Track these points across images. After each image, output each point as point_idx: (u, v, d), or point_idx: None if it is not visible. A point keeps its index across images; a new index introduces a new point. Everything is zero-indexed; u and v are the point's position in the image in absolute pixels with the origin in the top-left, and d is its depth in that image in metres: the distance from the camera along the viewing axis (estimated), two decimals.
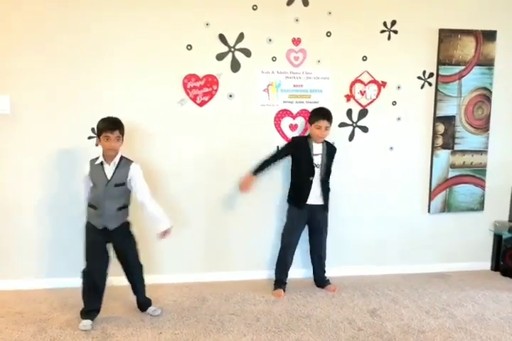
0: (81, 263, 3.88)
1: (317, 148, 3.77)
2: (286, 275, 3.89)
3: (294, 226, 3.85)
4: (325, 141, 3.81)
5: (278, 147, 4.01)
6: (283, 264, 3.88)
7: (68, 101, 3.73)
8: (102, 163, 3.20)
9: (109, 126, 3.14)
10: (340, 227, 4.15)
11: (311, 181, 3.74)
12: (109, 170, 3.19)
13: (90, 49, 3.70)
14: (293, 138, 3.95)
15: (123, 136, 3.22)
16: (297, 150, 3.80)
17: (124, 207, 3.27)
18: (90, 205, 3.25)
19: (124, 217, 3.29)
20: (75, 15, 3.66)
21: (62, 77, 3.70)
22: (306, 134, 3.94)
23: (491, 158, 4.35)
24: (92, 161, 3.25)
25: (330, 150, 3.82)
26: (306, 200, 3.77)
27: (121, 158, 3.23)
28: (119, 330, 3.16)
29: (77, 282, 3.79)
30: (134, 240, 3.35)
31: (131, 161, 3.25)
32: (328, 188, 3.84)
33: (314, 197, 3.78)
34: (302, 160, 3.78)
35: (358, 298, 3.75)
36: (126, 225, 3.32)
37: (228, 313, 3.45)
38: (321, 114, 3.74)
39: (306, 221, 3.86)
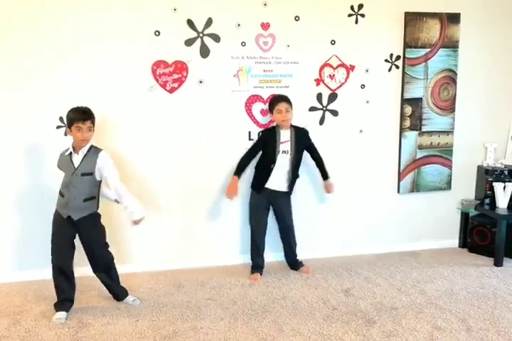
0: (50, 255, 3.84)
1: (285, 135, 3.78)
2: (262, 259, 3.94)
3: (256, 211, 3.90)
4: (293, 126, 3.82)
5: (249, 132, 4.03)
6: (255, 248, 3.93)
7: (34, 91, 3.64)
8: (70, 153, 3.16)
9: (81, 117, 3.08)
10: (312, 209, 4.21)
11: (272, 168, 3.77)
12: (76, 159, 3.15)
13: (55, 37, 3.60)
14: (260, 132, 3.99)
15: (94, 125, 3.17)
16: (266, 142, 3.82)
17: (91, 198, 3.21)
18: (60, 193, 3.21)
19: (91, 209, 3.22)
20: (39, 4, 3.55)
21: (26, 66, 3.60)
22: (274, 124, 3.92)
23: (457, 139, 4.46)
24: (62, 153, 3.21)
25: (299, 134, 3.83)
26: (263, 185, 3.81)
27: (91, 147, 3.19)
28: (95, 320, 3.16)
29: (50, 274, 3.77)
30: (102, 232, 3.31)
31: (100, 150, 3.20)
32: (297, 175, 3.88)
33: (277, 183, 3.81)
34: (268, 149, 3.79)
35: (331, 279, 3.83)
36: (94, 217, 3.26)
37: (204, 298, 3.48)
38: (279, 98, 3.80)
39: (267, 205, 3.90)
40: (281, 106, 3.73)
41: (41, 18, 3.57)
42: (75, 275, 3.31)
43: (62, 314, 3.17)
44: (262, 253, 3.95)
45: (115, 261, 3.39)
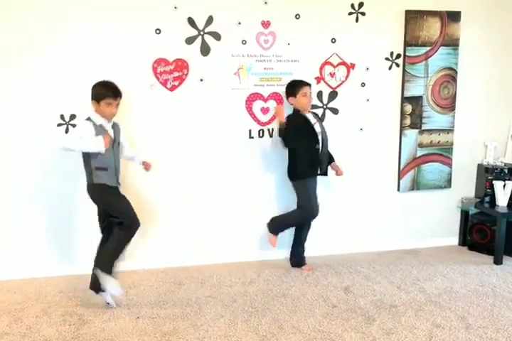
0: (54, 252, 3.87)
1: (311, 118, 3.84)
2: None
3: (314, 195, 3.86)
4: (310, 111, 3.89)
5: (250, 131, 4.04)
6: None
7: (34, 89, 3.64)
8: (101, 126, 3.18)
9: (113, 93, 3.16)
10: None
11: (318, 149, 3.81)
12: (111, 131, 3.24)
13: (55, 34, 3.61)
14: (293, 112, 3.84)
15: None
16: (303, 125, 3.78)
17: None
18: (99, 168, 3.19)
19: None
20: (40, 5, 3.55)
21: (26, 64, 3.61)
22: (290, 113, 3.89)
23: (458, 137, 4.47)
24: (91, 122, 3.16)
25: (317, 116, 3.94)
26: (319, 166, 3.84)
27: (114, 122, 3.31)
28: (96, 317, 3.17)
29: (51, 271, 3.79)
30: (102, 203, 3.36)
31: (116, 122, 3.33)
32: (329, 155, 3.97)
33: (324, 166, 3.90)
34: (309, 131, 3.79)
35: (331, 276, 3.84)
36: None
37: (205, 296, 3.49)
38: (302, 82, 3.83)
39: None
40: (306, 89, 3.79)
41: (42, 17, 3.58)
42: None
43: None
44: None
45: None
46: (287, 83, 3.89)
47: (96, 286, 3.28)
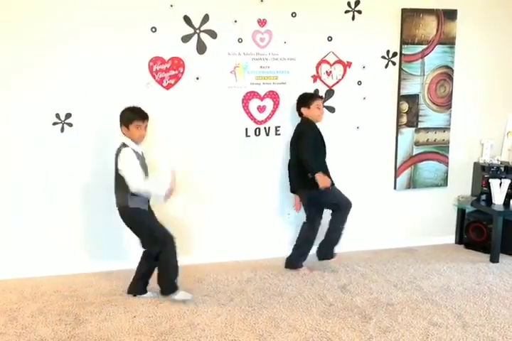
0: (50, 251, 3.86)
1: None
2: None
3: (338, 190, 3.87)
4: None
5: (246, 129, 4.03)
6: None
7: (29, 88, 3.62)
8: (135, 152, 3.28)
9: (141, 116, 3.29)
10: None
11: (326, 163, 3.84)
12: (142, 156, 3.35)
13: (50, 33, 3.59)
14: (307, 122, 3.82)
15: None
16: (318, 136, 3.80)
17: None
18: (135, 194, 3.25)
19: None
20: (35, 2, 3.55)
21: (20, 63, 3.58)
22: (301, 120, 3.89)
23: (454, 135, 4.47)
24: (133, 150, 3.26)
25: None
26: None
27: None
28: (92, 316, 3.16)
29: (47, 270, 3.78)
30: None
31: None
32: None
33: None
34: (322, 142, 3.81)
35: (328, 275, 3.84)
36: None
37: (201, 295, 3.48)
38: (316, 95, 3.93)
39: None
40: (320, 102, 3.84)
41: (37, 15, 3.55)
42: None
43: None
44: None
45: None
46: (301, 94, 3.88)
47: (134, 290, 3.46)
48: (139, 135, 3.30)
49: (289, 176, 3.97)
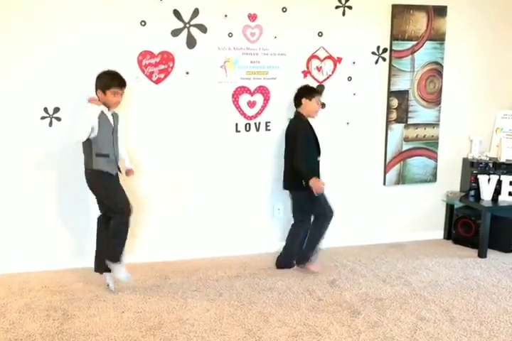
0: (38, 246, 3.83)
1: (313, 125, 3.80)
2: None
3: (323, 196, 3.77)
4: None
5: (236, 124, 4.02)
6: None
7: (16, 82, 3.58)
8: (102, 112, 3.25)
9: (119, 83, 3.29)
10: None
11: (319, 160, 3.78)
12: (111, 119, 3.33)
13: (40, 25, 3.55)
14: (300, 119, 3.75)
15: None
16: (308, 133, 3.73)
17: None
18: (101, 154, 3.26)
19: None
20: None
21: (5, 55, 3.55)
22: (294, 114, 3.83)
23: (443, 131, 4.49)
24: (96, 106, 3.24)
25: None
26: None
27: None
28: (80, 311, 3.14)
29: (34, 265, 3.75)
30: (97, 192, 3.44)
31: (117, 113, 3.43)
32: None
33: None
34: (313, 140, 3.76)
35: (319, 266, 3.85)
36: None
37: (191, 290, 3.48)
38: (317, 90, 3.83)
39: None
40: (320, 98, 3.80)
41: (23, 7, 3.51)
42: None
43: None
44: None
45: None
46: (305, 85, 3.81)
47: (99, 268, 3.42)
48: (115, 101, 3.31)
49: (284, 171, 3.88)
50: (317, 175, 3.72)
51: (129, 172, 3.59)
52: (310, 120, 3.80)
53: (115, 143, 3.38)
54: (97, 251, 3.46)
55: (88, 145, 3.26)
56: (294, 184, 3.77)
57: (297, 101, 3.77)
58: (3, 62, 3.55)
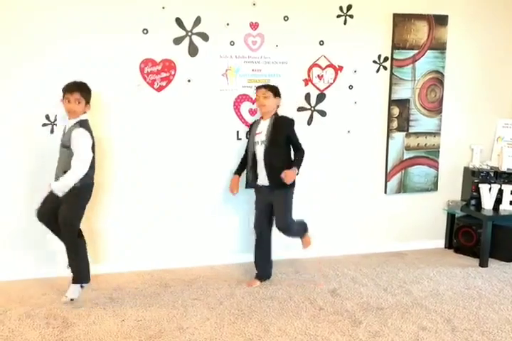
0: (38, 254, 3.82)
1: (262, 126, 3.63)
2: (260, 268, 3.80)
3: (256, 211, 3.76)
4: (274, 116, 3.63)
5: (238, 132, 4.03)
6: (255, 253, 3.79)
7: (18, 89, 3.59)
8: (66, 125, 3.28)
9: (70, 88, 3.22)
10: (299, 210, 4.19)
11: (256, 161, 3.62)
12: (64, 130, 3.29)
13: (42, 33, 3.56)
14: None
15: (86, 100, 3.25)
16: (249, 134, 3.77)
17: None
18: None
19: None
20: (26, 2, 3.53)
21: (9, 63, 3.56)
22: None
23: (444, 140, 4.49)
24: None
25: (277, 124, 3.57)
26: (253, 180, 3.65)
27: (79, 121, 3.23)
28: (80, 319, 3.12)
29: (35, 273, 3.74)
30: (73, 208, 3.27)
31: (80, 126, 3.21)
32: (278, 168, 3.52)
33: (262, 177, 3.62)
34: (249, 141, 3.71)
35: (318, 279, 3.83)
36: (72, 191, 3.20)
37: (191, 298, 3.46)
38: (259, 85, 3.71)
39: (265, 204, 3.67)
40: (259, 92, 3.63)
41: (26, 14, 3.53)
42: None
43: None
44: (259, 261, 3.76)
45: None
46: (274, 85, 3.74)
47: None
48: (66, 108, 3.25)
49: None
50: (253, 176, 3.67)
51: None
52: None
53: (59, 156, 3.27)
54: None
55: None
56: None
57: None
58: (5, 69, 3.56)
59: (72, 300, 3.32)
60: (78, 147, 3.17)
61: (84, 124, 3.24)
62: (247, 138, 3.91)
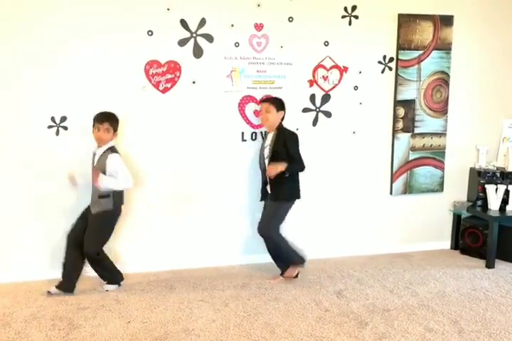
0: (44, 255, 3.83)
1: (268, 139, 3.75)
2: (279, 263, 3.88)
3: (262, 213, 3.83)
4: (278, 129, 3.69)
5: (243, 133, 4.03)
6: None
7: (25, 91, 3.61)
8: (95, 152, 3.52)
9: (99, 118, 3.43)
10: (304, 211, 4.20)
11: (266, 175, 3.68)
12: (96, 157, 3.50)
13: (48, 35, 3.57)
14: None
15: (114, 129, 3.48)
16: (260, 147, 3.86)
17: (105, 196, 3.43)
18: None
19: (104, 206, 3.45)
20: (32, 4, 3.52)
21: (16, 66, 3.57)
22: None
23: (450, 141, 4.48)
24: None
25: (279, 138, 3.65)
26: (265, 193, 3.79)
27: (109, 148, 3.47)
28: (86, 321, 3.13)
29: (40, 274, 3.75)
30: (100, 232, 3.51)
31: (112, 152, 3.44)
32: (276, 179, 3.62)
33: (269, 188, 3.75)
34: (259, 154, 3.82)
35: (324, 280, 3.82)
36: (103, 213, 3.46)
37: (197, 300, 3.46)
38: (261, 99, 3.77)
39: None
40: (262, 106, 3.73)
41: (33, 16, 3.55)
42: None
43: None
44: (275, 260, 3.85)
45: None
46: (278, 97, 3.78)
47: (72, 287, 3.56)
48: (96, 136, 3.46)
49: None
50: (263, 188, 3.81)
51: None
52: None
53: (92, 181, 3.46)
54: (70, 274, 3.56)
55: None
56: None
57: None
58: (11, 72, 3.57)
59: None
60: (122, 169, 3.45)
61: (114, 150, 3.49)
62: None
